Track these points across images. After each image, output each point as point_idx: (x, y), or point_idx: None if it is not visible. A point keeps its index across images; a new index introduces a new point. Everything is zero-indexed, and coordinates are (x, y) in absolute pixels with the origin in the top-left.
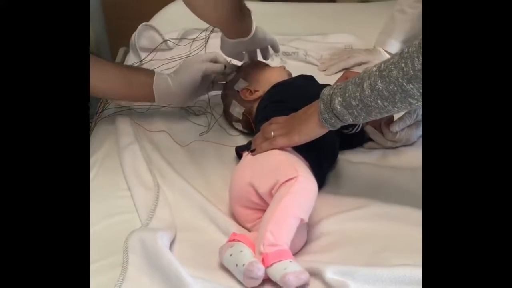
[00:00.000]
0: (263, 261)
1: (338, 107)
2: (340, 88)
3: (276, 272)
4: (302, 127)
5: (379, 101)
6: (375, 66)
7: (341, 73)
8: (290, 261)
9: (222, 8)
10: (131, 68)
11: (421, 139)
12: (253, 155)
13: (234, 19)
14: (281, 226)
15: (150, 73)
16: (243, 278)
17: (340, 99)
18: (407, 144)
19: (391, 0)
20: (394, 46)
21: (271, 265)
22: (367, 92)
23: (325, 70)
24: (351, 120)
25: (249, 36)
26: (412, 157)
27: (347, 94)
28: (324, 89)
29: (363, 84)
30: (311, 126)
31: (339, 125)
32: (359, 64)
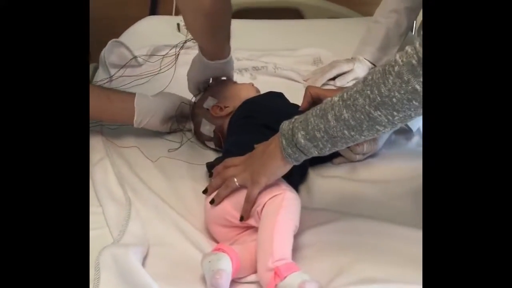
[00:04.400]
0: (276, 275)
1: (302, 140)
2: (300, 122)
3: (292, 282)
4: (267, 167)
5: (345, 131)
6: (336, 96)
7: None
8: (301, 272)
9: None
10: (110, 88)
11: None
12: (212, 206)
13: (224, 41)
14: (284, 240)
15: (131, 93)
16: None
17: (303, 132)
18: (375, 152)
19: (359, 17)
20: (371, 54)
21: (285, 277)
22: (332, 123)
23: (306, 80)
24: (316, 153)
25: (227, 59)
26: (382, 170)
27: (310, 127)
28: (282, 123)
29: (327, 115)
30: (276, 164)
31: (303, 159)
32: (343, 73)
